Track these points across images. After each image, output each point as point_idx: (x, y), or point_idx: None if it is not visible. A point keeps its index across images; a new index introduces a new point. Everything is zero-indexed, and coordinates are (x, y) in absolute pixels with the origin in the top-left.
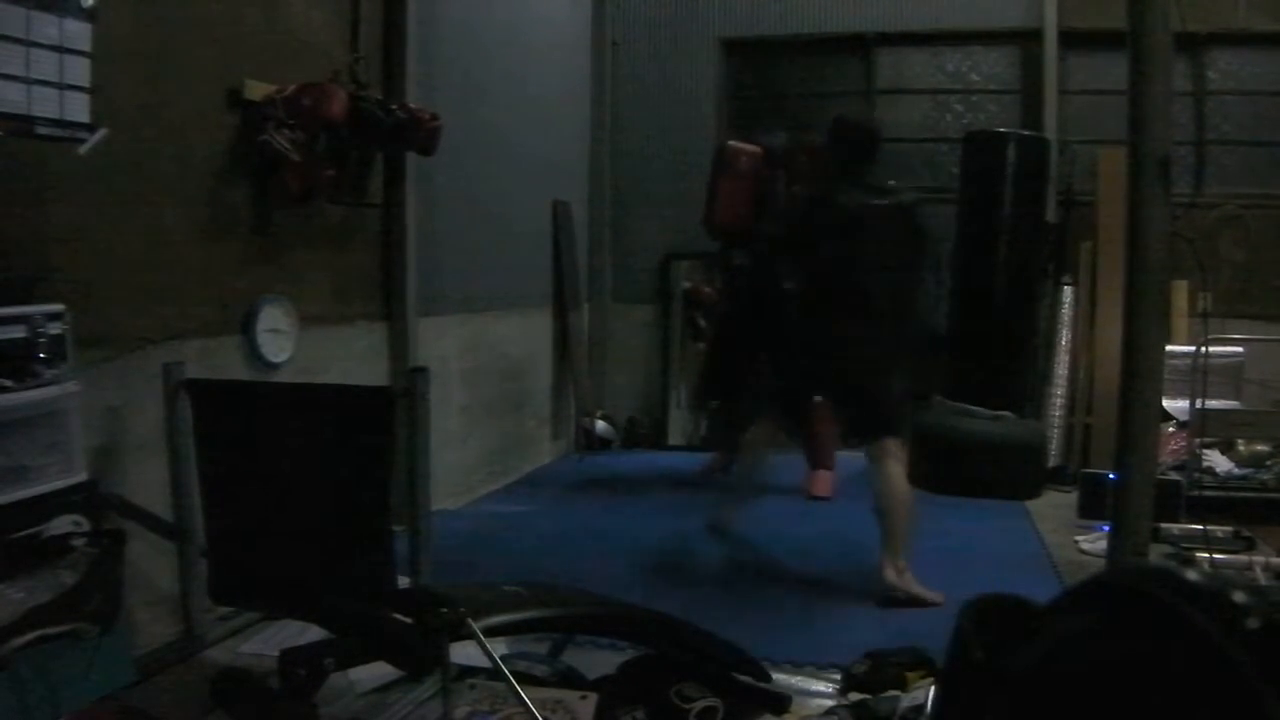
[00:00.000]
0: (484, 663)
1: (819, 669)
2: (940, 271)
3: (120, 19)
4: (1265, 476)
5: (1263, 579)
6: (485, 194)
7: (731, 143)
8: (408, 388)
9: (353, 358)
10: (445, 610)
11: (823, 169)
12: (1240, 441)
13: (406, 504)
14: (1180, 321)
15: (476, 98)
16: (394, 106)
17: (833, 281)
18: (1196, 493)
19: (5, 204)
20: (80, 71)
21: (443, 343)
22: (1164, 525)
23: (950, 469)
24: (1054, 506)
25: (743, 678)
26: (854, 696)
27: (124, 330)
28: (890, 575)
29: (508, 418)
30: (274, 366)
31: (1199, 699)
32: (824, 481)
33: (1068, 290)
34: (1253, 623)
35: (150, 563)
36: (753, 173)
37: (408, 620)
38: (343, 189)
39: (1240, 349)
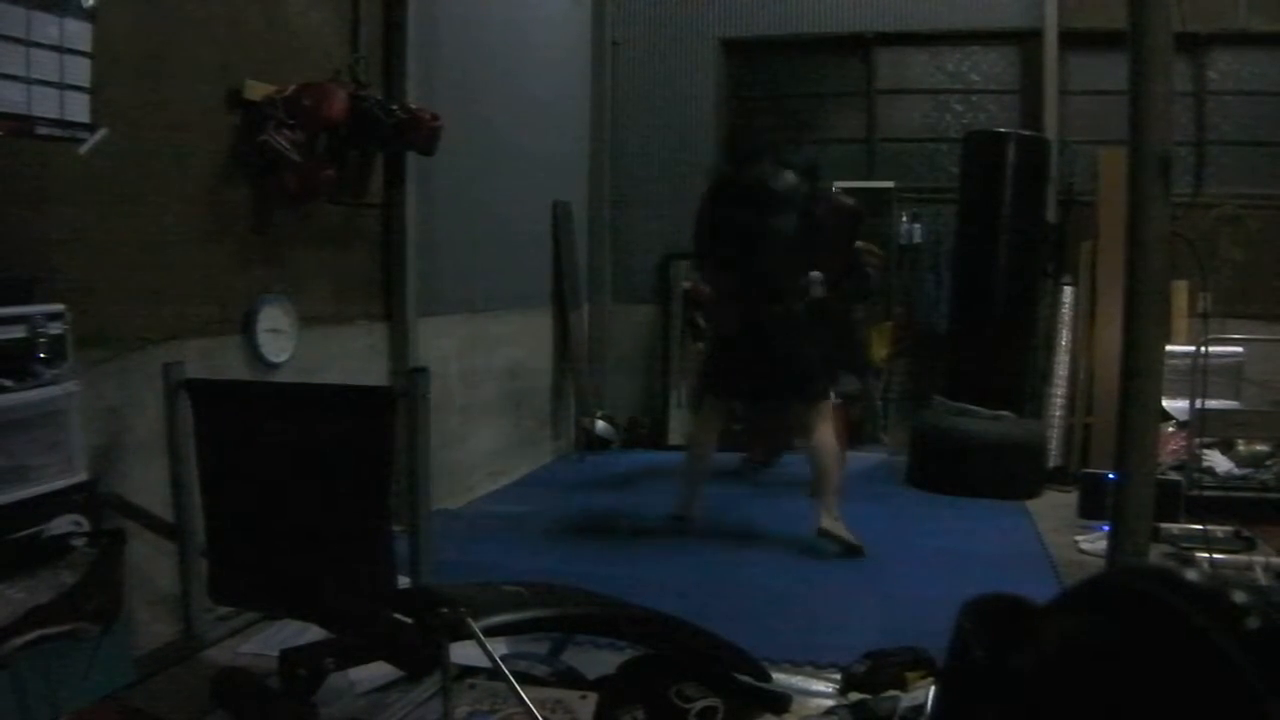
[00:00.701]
0: (484, 663)
1: (819, 669)
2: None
3: (120, 19)
4: (1265, 476)
5: (1263, 579)
6: (485, 194)
7: None
8: (408, 388)
9: (353, 358)
10: (445, 610)
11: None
12: (1240, 441)
13: (406, 504)
14: (1180, 321)
15: (476, 98)
16: (394, 106)
17: (736, 270)
18: (1196, 493)
19: (5, 204)
20: (80, 71)
21: (443, 343)
22: (1164, 525)
23: (950, 469)
24: (1054, 506)
25: (743, 678)
26: (854, 696)
27: (124, 330)
28: (826, 522)
29: (508, 418)
30: (274, 366)
31: (1199, 699)
32: None
33: (1068, 290)
34: (1253, 623)
35: (150, 563)
36: None
37: (408, 620)
38: (343, 189)
39: (1240, 349)
